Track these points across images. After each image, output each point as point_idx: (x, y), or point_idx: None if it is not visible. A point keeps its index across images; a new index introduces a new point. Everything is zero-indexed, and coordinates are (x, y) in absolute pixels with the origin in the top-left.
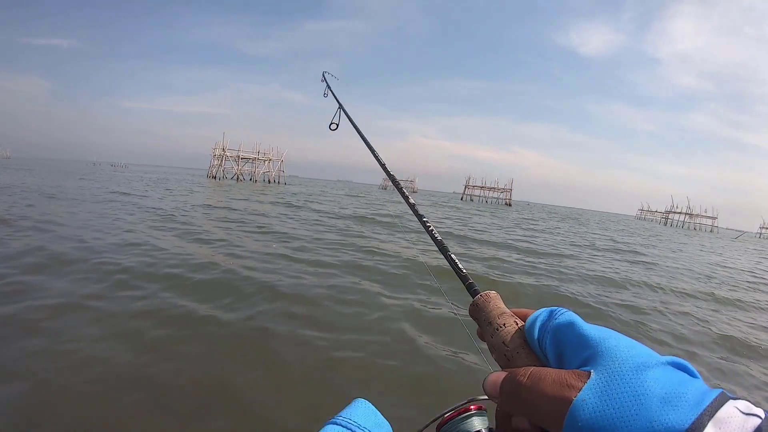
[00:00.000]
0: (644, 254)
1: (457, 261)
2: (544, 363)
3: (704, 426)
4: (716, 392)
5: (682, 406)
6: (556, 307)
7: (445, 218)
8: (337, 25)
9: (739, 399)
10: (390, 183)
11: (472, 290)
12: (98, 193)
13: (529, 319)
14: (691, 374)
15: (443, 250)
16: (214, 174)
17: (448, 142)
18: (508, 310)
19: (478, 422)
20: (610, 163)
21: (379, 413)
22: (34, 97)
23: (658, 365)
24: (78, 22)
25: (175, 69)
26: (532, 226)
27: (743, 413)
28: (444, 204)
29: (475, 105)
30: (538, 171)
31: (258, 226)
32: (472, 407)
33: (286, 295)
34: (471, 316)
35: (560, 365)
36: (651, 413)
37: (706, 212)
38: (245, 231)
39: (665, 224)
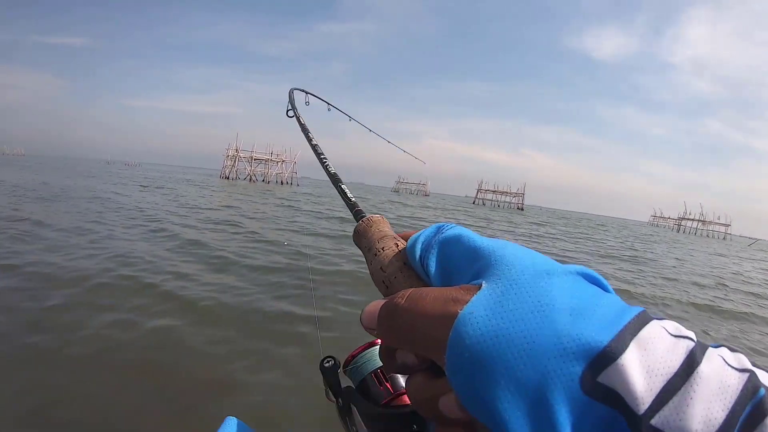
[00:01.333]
0: (663, 264)
1: (346, 190)
2: (427, 284)
3: (626, 345)
4: (637, 309)
5: (596, 320)
6: (444, 223)
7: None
8: (349, 26)
9: (665, 320)
10: (403, 186)
11: (357, 217)
12: (99, 192)
13: (412, 238)
14: (604, 288)
15: (335, 182)
16: (227, 174)
17: (459, 144)
18: (391, 233)
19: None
20: (622, 167)
21: (252, 430)
22: (47, 95)
23: (566, 273)
24: (91, 22)
25: (187, 68)
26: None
27: (672, 335)
28: (454, 209)
29: (486, 107)
30: (548, 174)
31: (251, 231)
32: (376, 342)
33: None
34: (355, 243)
35: (447, 284)
36: (558, 326)
37: (719, 219)
38: (236, 235)
39: (678, 231)
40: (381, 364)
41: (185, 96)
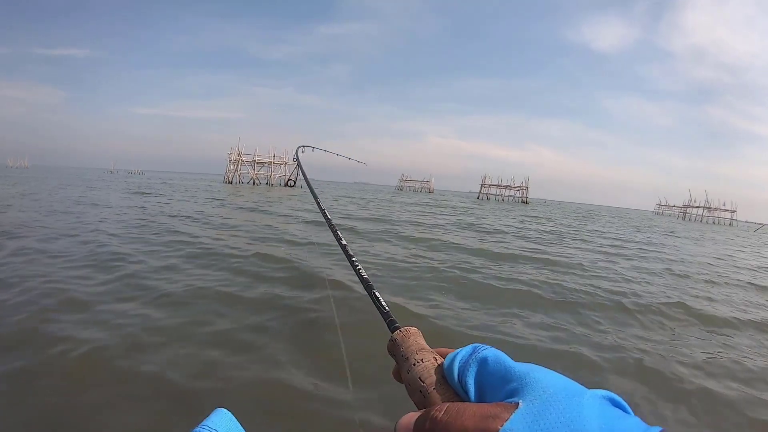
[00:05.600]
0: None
1: (379, 297)
2: (463, 400)
3: None
4: (657, 429)
5: None
6: (479, 344)
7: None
8: (350, 27)
9: None
10: (406, 184)
11: (392, 327)
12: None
13: (449, 356)
14: (626, 411)
15: (368, 288)
16: (230, 179)
17: (464, 141)
18: (428, 347)
19: None
20: (626, 158)
21: (240, 425)
22: (51, 106)
23: (593, 397)
24: (92, 33)
25: (190, 75)
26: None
27: None
28: (453, 206)
29: (490, 103)
30: (553, 168)
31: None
32: None
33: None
34: (389, 352)
35: (482, 401)
36: None
37: (724, 205)
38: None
39: (683, 219)
40: None
41: (189, 102)
